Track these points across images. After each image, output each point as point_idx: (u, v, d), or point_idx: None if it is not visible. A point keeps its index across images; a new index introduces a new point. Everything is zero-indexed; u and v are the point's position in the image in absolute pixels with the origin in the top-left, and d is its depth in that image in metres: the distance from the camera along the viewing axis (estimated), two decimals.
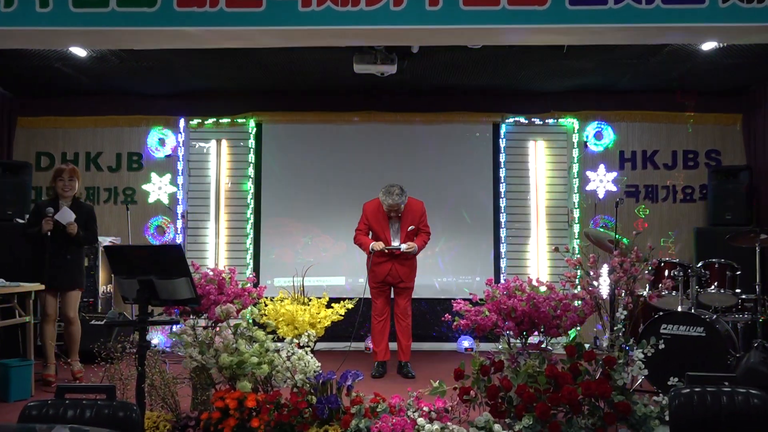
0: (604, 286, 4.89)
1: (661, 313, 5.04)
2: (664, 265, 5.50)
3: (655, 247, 4.95)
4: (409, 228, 5.69)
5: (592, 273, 4.60)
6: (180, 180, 7.47)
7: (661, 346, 3.96)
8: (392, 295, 5.84)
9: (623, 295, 4.50)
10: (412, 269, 5.82)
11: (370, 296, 5.83)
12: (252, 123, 7.51)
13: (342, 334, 6.52)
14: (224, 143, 7.57)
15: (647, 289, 5.37)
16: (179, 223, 7.45)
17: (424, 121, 7.48)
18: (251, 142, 7.51)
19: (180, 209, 7.46)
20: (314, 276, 7.09)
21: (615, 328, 4.15)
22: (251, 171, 7.49)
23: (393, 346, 5.85)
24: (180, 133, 7.51)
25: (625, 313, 4.20)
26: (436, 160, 7.46)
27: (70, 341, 5.46)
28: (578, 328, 4.87)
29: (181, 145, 7.50)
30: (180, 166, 7.49)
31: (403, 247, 5.62)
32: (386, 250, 5.63)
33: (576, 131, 7.47)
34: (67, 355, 5.49)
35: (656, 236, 7.29)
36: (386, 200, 5.65)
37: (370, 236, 5.80)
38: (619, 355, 3.83)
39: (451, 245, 7.42)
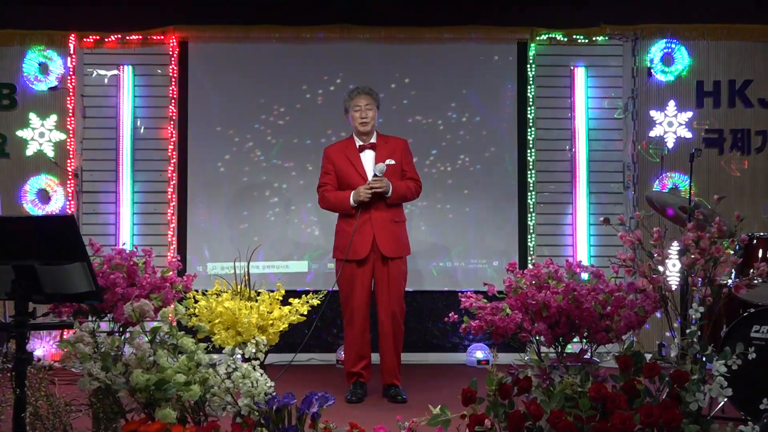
0: (673, 272, 4.93)
1: (751, 310, 5.09)
2: (757, 243, 5.54)
3: (745, 218, 4.94)
4: (388, 161, 5.68)
5: (656, 254, 4.63)
6: (71, 124, 7.41)
7: (752, 356, 4.01)
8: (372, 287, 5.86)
9: (699, 284, 4.54)
10: (399, 239, 5.82)
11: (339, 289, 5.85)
12: (173, 41, 7.44)
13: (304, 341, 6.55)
14: (133, 70, 7.50)
15: (733, 276, 5.42)
16: (71, 185, 7.40)
17: (420, 40, 7.44)
18: (173, 69, 7.45)
19: (72, 165, 7.41)
20: (265, 260, 7.09)
21: (687, 332, 4.19)
22: (173, 110, 7.45)
23: (375, 357, 5.90)
24: (70, 55, 7.42)
25: (701, 309, 4.24)
26: (438, 95, 7.44)
27: None
28: (636, 331, 4.91)
29: (71, 72, 7.42)
30: (71, 103, 7.43)
31: (379, 167, 5.64)
32: (371, 188, 5.61)
33: (635, 53, 7.49)
34: None
35: (748, 201, 7.34)
36: (353, 97, 5.83)
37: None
38: (692, 368, 3.88)
39: (459, 216, 7.45)
